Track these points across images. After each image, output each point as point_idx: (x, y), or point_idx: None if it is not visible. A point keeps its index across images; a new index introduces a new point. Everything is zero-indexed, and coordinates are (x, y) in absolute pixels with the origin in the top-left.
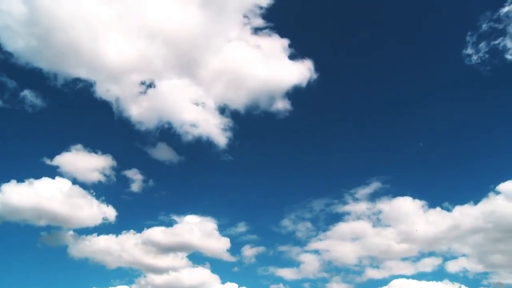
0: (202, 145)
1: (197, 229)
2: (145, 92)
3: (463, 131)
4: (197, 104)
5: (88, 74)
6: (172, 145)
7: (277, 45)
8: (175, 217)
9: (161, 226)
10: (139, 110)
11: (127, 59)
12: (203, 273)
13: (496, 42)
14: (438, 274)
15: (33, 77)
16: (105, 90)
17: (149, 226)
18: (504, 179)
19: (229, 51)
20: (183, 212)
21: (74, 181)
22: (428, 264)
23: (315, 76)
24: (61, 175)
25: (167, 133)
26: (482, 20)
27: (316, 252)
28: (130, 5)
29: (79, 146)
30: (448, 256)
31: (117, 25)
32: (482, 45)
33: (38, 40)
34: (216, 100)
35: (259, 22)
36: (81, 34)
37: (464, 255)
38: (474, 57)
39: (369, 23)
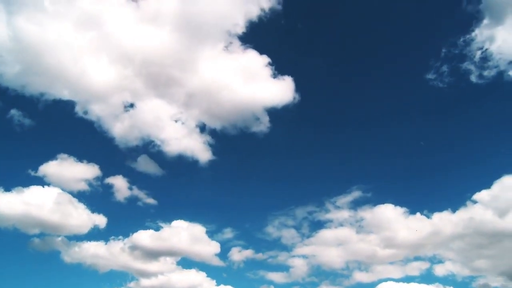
0: (184, 160)
1: (186, 234)
2: (126, 111)
3: (439, 143)
4: (176, 121)
5: (71, 96)
6: (155, 160)
7: (256, 63)
8: (162, 223)
9: (150, 231)
10: (121, 129)
11: (108, 81)
12: (194, 277)
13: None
14: (426, 278)
15: (19, 98)
16: (87, 110)
17: (137, 232)
18: (479, 189)
19: (207, 69)
20: (170, 218)
21: (62, 189)
22: (415, 268)
23: (294, 92)
24: (48, 184)
25: (149, 149)
26: (446, 45)
27: (304, 256)
28: (108, 29)
29: (65, 155)
30: (435, 261)
31: (97, 48)
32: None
33: (22, 64)
34: (196, 118)
35: (238, 40)
36: (63, 58)
37: (449, 260)
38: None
39: (344, 47)
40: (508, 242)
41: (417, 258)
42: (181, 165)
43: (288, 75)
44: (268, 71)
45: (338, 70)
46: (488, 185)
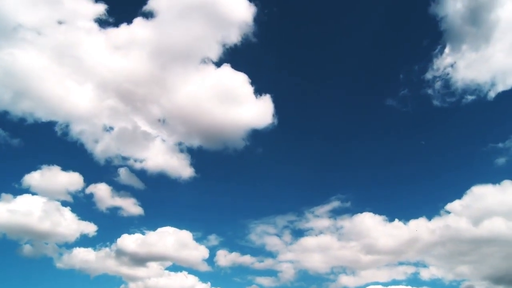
0: (166, 177)
1: (173, 240)
2: (107, 132)
3: (412, 157)
4: (155, 140)
5: (53, 117)
6: (137, 175)
7: (233, 82)
8: (148, 230)
9: (137, 236)
10: (102, 147)
11: (87, 103)
12: (185, 281)
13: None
14: (413, 282)
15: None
16: (68, 130)
17: (125, 238)
18: (452, 199)
19: (184, 90)
20: (156, 225)
21: (49, 198)
22: (401, 272)
23: (273, 109)
24: (35, 193)
25: (131, 166)
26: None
27: (290, 261)
28: (85, 55)
29: (50, 166)
30: (419, 266)
31: (75, 73)
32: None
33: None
34: (175, 137)
35: (214, 61)
36: (45, 84)
37: (433, 265)
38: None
39: (319, 68)
40: (486, 248)
41: (401, 263)
42: (163, 181)
43: (267, 93)
44: (245, 89)
45: (314, 88)
46: (459, 195)
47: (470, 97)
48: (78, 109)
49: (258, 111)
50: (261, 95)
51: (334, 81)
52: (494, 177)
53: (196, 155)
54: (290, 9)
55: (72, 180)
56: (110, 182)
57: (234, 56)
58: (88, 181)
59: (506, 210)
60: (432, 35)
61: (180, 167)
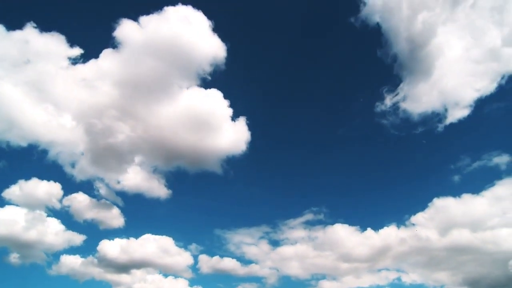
0: (141, 196)
1: (156, 247)
2: (83, 156)
3: (377, 172)
4: (131, 166)
5: (28, 142)
6: (116, 194)
7: (208, 108)
8: (132, 238)
9: (120, 243)
10: (79, 169)
11: (63, 131)
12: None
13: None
14: (395, 287)
15: None
16: (46, 154)
17: (110, 245)
18: (417, 211)
19: (157, 117)
20: (140, 233)
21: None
22: (382, 278)
23: (247, 130)
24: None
25: (108, 184)
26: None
27: (272, 268)
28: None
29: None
30: (399, 272)
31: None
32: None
33: None
34: (151, 162)
35: (185, 88)
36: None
37: (410, 272)
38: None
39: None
40: (458, 257)
41: (380, 270)
42: (140, 199)
43: (241, 116)
44: (219, 114)
45: (285, 111)
46: (424, 207)
47: (420, 128)
48: (56, 136)
49: (233, 132)
50: (237, 117)
51: (302, 104)
52: (454, 191)
53: (171, 177)
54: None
55: (52, 190)
56: (90, 194)
57: (207, 82)
58: (66, 190)
59: (469, 222)
60: (382, 72)
61: (156, 188)
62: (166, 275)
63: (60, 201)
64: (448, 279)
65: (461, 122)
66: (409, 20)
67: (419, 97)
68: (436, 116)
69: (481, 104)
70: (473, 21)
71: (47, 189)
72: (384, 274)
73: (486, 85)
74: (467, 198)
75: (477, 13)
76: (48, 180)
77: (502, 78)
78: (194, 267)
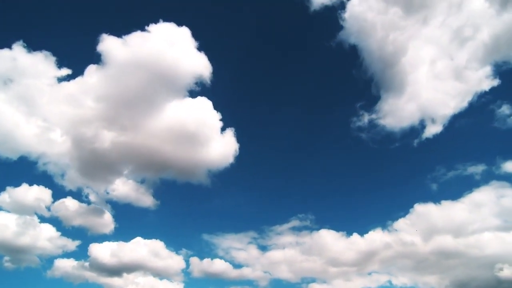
0: (130, 205)
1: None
2: (70, 168)
3: (360, 179)
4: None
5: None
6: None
7: (196, 121)
8: (125, 241)
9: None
10: (68, 179)
11: (52, 145)
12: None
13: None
14: None
15: None
16: (35, 164)
17: (102, 249)
18: (397, 218)
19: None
20: (130, 237)
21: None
22: (373, 281)
23: (236, 142)
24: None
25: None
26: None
27: (263, 272)
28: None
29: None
30: (390, 274)
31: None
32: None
33: None
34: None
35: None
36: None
37: (400, 275)
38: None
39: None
40: (444, 261)
41: (370, 273)
42: (129, 208)
43: (231, 127)
44: (205, 128)
45: (272, 122)
46: (405, 213)
47: (397, 142)
48: (45, 148)
49: (221, 147)
50: (223, 130)
51: (286, 117)
52: (433, 198)
53: (159, 188)
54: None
55: (43, 196)
56: (80, 200)
57: (193, 95)
58: (55, 195)
59: (451, 227)
60: (358, 90)
61: (144, 199)
62: (160, 279)
63: (50, 206)
64: (437, 282)
65: (436, 136)
66: (382, 40)
67: (395, 113)
68: (413, 131)
69: (453, 119)
70: (442, 40)
71: (37, 195)
72: (375, 277)
73: (457, 103)
74: (446, 204)
75: (446, 33)
76: (38, 185)
77: (473, 95)
78: (186, 271)
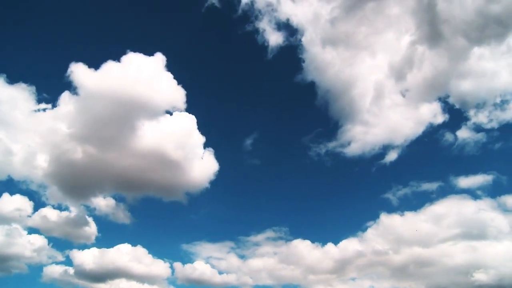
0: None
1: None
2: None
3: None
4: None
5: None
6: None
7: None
8: (108, 248)
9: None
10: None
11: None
12: None
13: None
14: None
15: None
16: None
17: (86, 256)
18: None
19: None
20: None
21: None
22: (358, 286)
23: (215, 160)
24: None
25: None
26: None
27: (247, 277)
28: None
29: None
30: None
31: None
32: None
33: None
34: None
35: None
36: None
37: (380, 281)
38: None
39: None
40: (418, 268)
41: (353, 279)
42: (107, 223)
43: (209, 147)
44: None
45: (246, 145)
46: (372, 224)
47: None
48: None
49: (199, 167)
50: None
51: (259, 138)
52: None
53: (136, 208)
54: None
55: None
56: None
57: (169, 118)
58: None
59: (417, 237)
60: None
61: (122, 217)
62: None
63: (31, 215)
64: (417, 287)
65: (392, 162)
66: (336, 75)
67: (354, 140)
68: (371, 155)
69: (410, 144)
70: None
71: (18, 205)
72: (357, 282)
73: (412, 131)
74: (410, 215)
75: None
76: (22, 195)
77: (426, 125)
78: (170, 278)
